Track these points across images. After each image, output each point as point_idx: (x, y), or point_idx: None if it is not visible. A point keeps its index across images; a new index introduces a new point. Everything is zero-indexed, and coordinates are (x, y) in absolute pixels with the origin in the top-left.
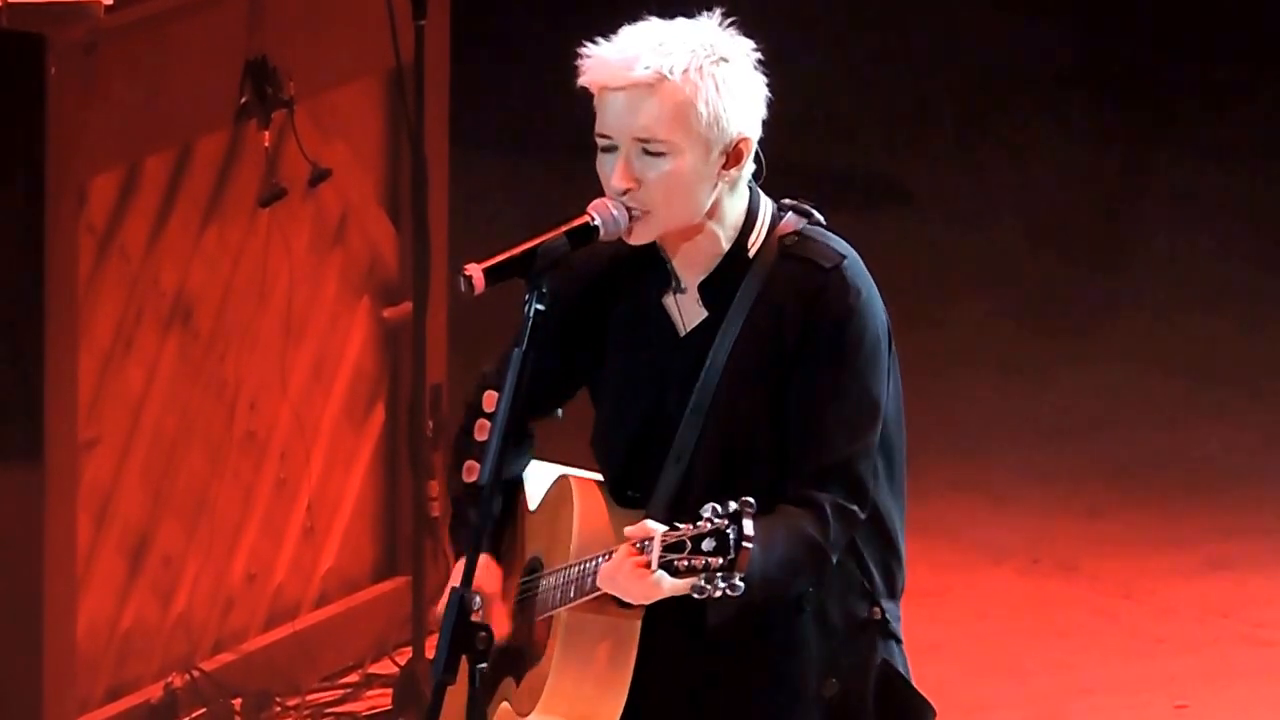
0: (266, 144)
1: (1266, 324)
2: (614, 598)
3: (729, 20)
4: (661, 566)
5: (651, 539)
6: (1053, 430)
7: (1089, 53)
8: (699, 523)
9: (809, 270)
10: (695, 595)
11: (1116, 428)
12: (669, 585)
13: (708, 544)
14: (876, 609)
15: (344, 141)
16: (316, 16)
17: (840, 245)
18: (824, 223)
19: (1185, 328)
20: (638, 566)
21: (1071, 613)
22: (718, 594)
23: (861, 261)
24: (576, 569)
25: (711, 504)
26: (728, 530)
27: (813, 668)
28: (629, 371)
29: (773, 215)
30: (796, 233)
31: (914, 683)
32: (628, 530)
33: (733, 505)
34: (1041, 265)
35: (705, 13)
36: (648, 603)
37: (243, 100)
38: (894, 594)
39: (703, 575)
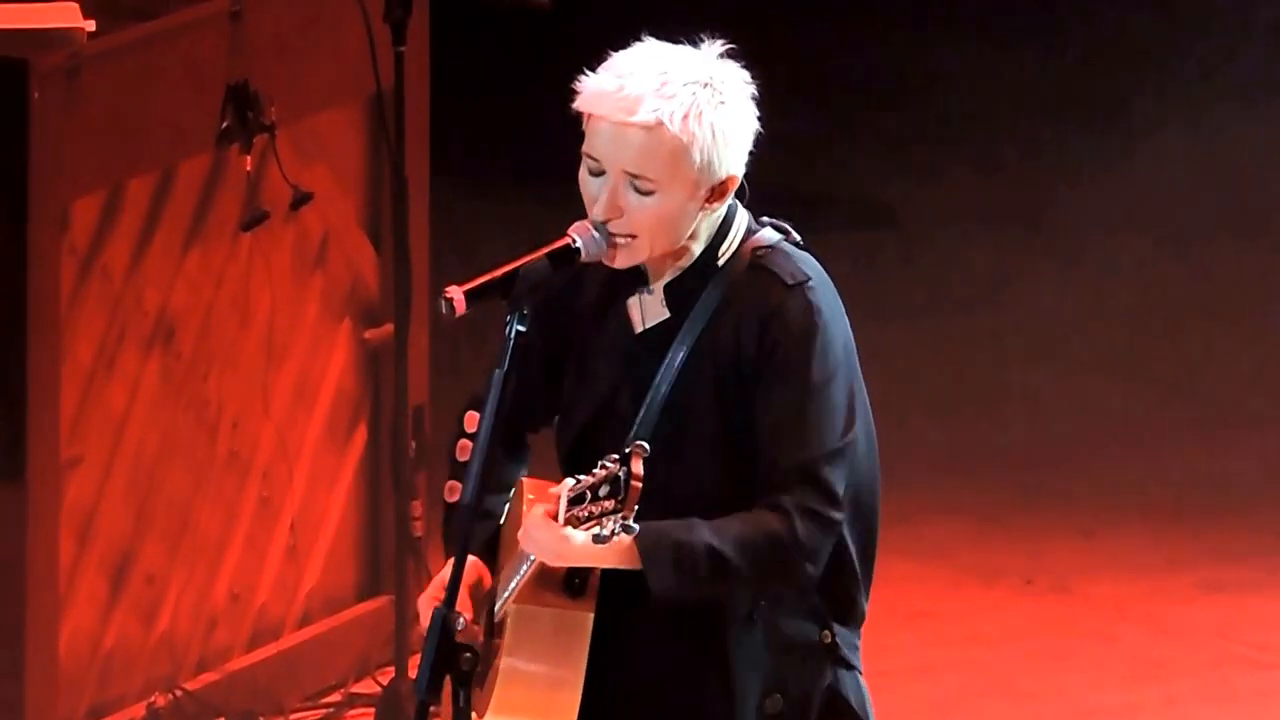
0: (248, 168)
1: (1263, 347)
2: (558, 585)
3: (726, 47)
4: (567, 521)
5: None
6: (1044, 451)
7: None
8: (595, 471)
9: (772, 284)
10: (596, 544)
11: (1108, 449)
12: (580, 540)
13: (604, 490)
14: (827, 633)
15: (325, 165)
16: (298, 42)
17: (810, 266)
18: (800, 241)
19: (1179, 348)
20: (548, 519)
21: (1067, 635)
22: (614, 538)
23: (831, 285)
24: (519, 557)
25: (610, 454)
26: (619, 473)
27: (758, 681)
28: (585, 362)
29: (748, 227)
30: (769, 246)
31: (870, 713)
32: (551, 489)
33: (626, 450)
34: (1029, 285)
35: (704, 39)
36: (563, 562)
37: (224, 124)
38: (849, 620)
39: (600, 520)
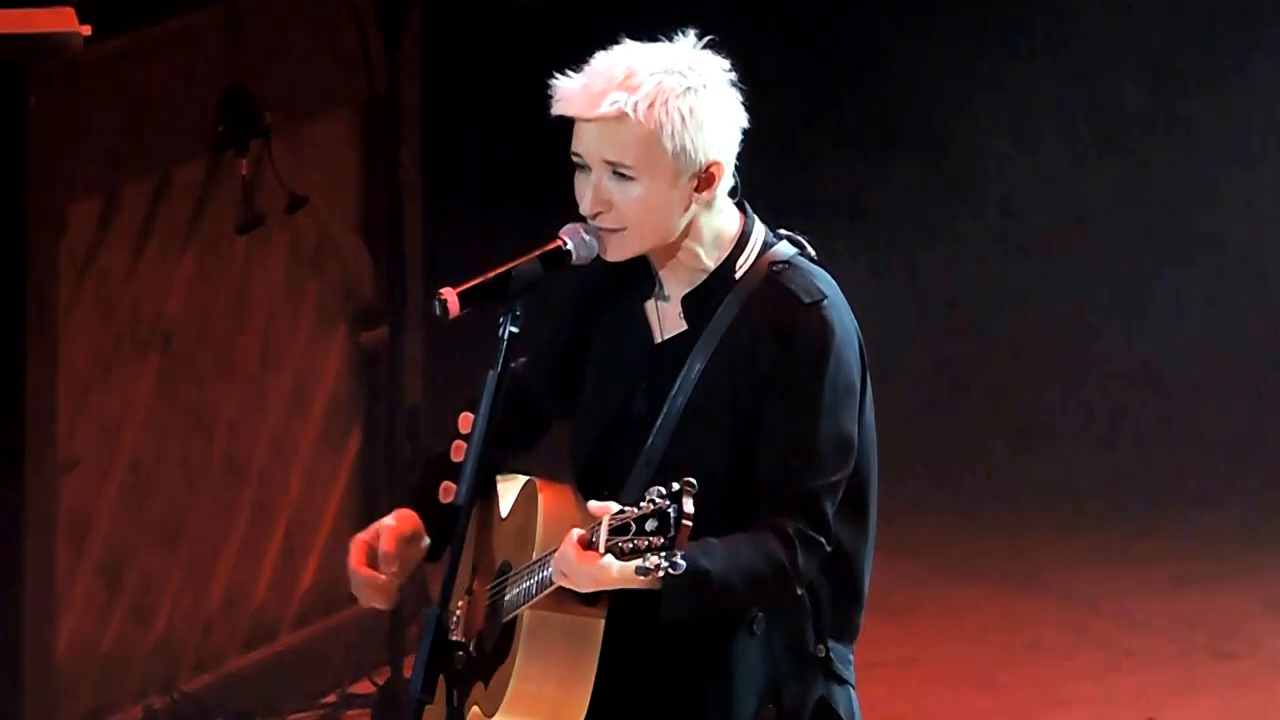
0: (244, 172)
1: (1237, 339)
2: (576, 595)
3: (705, 40)
4: (608, 550)
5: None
6: (1020, 449)
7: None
8: (642, 504)
9: (790, 301)
10: (639, 576)
11: (1082, 446)
12: (618, 569)
13: (650, 524)
14: (821, 647)
15: (320, 170)
16: (293, 48)
17: (825, 283)
18: (814, 256)
19: (1153, 347)
20: (585, 551)
21: (1042, 627)
22: (659, 573)
23: (844, 301)
24: (539, 565)
25: (656, 486)
26: (669, 509)
27: (754, 692)
28: (602, 371)
29: (765, 241)
30: (786, 261)
31: None
32: (591, 505)
33: (675, 485)
34: (1008, 285)
35: (680, 33)
36: (598, 588)
37: (220, 129)
38: (844, 634)
39: (645, 555)
